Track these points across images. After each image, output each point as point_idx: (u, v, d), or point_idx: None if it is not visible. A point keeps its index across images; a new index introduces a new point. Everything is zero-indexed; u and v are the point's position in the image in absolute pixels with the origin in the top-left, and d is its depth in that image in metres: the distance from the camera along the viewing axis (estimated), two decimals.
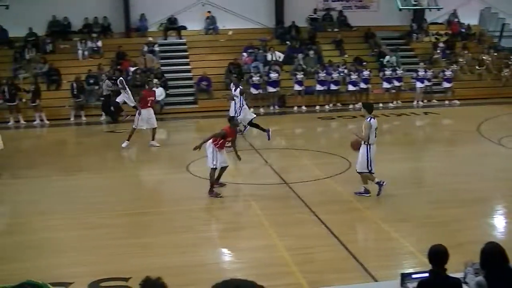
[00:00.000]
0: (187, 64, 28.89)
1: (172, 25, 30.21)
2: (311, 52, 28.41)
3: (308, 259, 9.23)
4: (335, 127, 23.50)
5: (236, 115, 17.93)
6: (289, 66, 27.96)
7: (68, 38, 29.33)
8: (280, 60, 28.32)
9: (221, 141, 12.76)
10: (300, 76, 26.36)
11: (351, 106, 26.10)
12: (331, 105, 26.45)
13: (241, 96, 18.80)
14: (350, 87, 26.59)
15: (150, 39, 28.88)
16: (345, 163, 15.26)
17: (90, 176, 15.69)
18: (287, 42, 29.77)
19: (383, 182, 12.36)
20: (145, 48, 28.01)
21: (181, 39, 30.18)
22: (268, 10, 31.37)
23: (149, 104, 18.59)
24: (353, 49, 30.02)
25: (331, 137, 22.23)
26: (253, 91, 26.11)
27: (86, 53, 28.29)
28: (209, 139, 12.72)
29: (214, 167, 12.78)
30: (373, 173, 12.46)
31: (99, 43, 28.51)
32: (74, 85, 24.69)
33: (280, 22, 31.00)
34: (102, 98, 24.78)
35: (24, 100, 24.38)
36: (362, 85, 26.56)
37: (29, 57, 27.53)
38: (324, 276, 8.69)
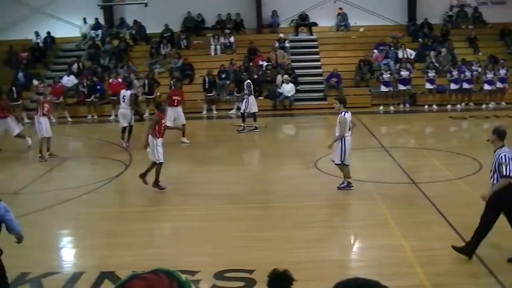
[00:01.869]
0: (318, 60, 29.05)
1: (303, 22, 30.49)
2: (444, 50, 27.70)
3: (433, 261, 9.05)
4: (467, 127, 22.82)
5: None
6: (421, 64, 27.45)
7: (202, 34, 30.42)
8: (412, 57, 27.86)
9: (158, 129, 13.33)
10: (432, 74, 25.71)
11: (483, 106, 25.22)
12: (463, 104, 25.63)
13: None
14: (486, 87, 25.63)
15: (281, 35, 29.26)
16: (476, 165, 14.85)
17: (220, 168, 16.12)
18: (419, 40, 29.23)
19: (351, 186, 13.04)
20: (276, 44, 28.41)
21: (312, 35, 30.41)
22: (400, 7, 30.99)
23: (175, 104, 19.13)
24: (487, 47, 28.92)
25: (462, 137, 21.60)
26: (383, 88, 25.85)
27: (218, 48, 29.05)
28: (149, 133, 13.30)
29: (158, 161, 13.38)
30: (347, 165, 12.94)
31: (232, 39, 29.21)
32: (206, 79, 25.37)
33: (412, 19, 30.53)
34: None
35: (159, 93, 25.24)
36: (499, 85, 25.58)
37: (165, 52, 28.72)
38: (449, 279, 8.51)
